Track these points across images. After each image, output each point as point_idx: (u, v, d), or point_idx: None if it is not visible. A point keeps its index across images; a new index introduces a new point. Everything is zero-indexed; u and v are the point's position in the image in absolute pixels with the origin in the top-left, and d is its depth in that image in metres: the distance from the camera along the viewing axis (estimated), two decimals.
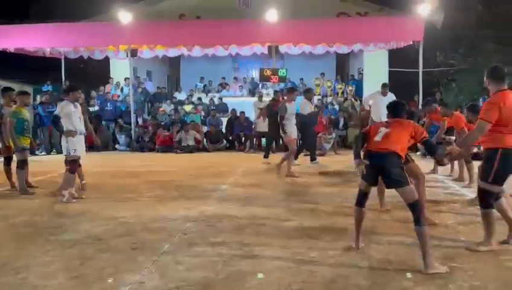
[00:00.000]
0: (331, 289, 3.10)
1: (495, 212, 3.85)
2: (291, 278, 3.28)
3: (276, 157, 9.79)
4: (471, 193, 6.03)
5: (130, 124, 13.89)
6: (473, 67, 15.98)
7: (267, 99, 14.15)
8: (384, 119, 9.53)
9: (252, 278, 3.28)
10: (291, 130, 8.20)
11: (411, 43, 13.05)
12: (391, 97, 9.29)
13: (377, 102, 9.69)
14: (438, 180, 7.43)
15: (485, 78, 3.90)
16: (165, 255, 3.82)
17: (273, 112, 10.13)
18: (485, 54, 15.78)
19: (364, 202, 3.85)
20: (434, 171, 7.96)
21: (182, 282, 3.23)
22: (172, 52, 15.64)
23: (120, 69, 15.67)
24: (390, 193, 4.28)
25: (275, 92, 11.33)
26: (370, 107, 10.08)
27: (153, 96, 16.60)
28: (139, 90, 15.70)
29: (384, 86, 10.07)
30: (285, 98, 9.51)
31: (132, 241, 4.18)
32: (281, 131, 8.29)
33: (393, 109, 4.05)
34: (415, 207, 3.42)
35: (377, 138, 3.71)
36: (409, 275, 3.29)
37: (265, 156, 10.09)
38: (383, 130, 3.75)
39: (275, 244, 4.08)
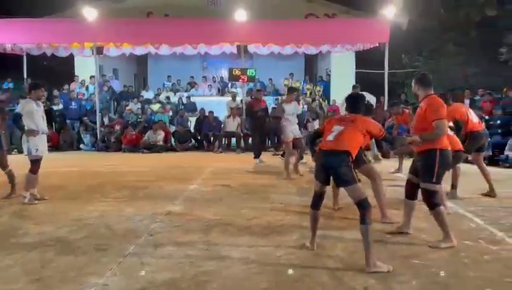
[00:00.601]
0: (297, 288, 3.12)
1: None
2: (258, 277, 3.29)
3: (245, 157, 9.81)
4: None
5: (95, 123, 13.59)
6: (436, 69, 16.52)
7: (238, 99, 14.16)
8: None
9: (219, 278, 3.27)
10: (289, 131, 7.89)
11: (377, 44, 13.32)
12: None
13: None
14: (403, 179, 7.59)
15: (413, 84, 4.20)
16: (130, 256, 3.76)
17: (253, 111, 10.07)
18: (446, 56, 16.32)
19: (319, 205, 3.86)
20: (399, 170, 8.15)
21: (147, 284, 3.19)
22: (140, 51, 15.40)
23: (85, 67, 15.30)
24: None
25: (257, 90, 11.20)
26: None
27: (119, 95, 16.29)
28: (105, 88, 15.37)
29: (354, 87, 10.29)
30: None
31: (96, 243, 4.09)
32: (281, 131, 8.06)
33: (351, 103, 4.01)
34: (362, 205, 3.44)
35: (330, 138, 3.71)
36: (373, 273, 3.37)
37: (256, 156, 9.82)
38: (337, 128, 3.73)
39: (242, 244, 4.08)
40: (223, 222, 4.81)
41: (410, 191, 4.23)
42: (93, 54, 13.69)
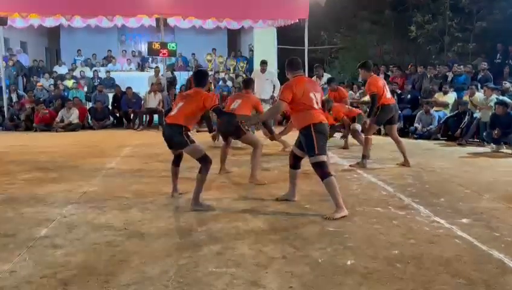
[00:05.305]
0: (219, 261, 3.13)
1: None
2: (178, 253, 3.26)
3: None
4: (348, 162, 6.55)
5: (2, 100, 12.51)
6: (353, 46, 17.18)
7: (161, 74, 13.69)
8: (264, 96, 9.87)
9: (137, 258, 3.18)
10: None
11: (297, 21, 13.50)
12: (270, 72, 10.39)
13: (257, 79, 10.30)
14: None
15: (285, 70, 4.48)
16: (41, 240, 3.55)
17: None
18: (362, 33, 17.00)
19: (178, 162, 4.71)
20: (345, 147, 8.28)
21: (60, 267, 3.03)
22: (50, 22, 14.22)
23: None
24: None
25: (198, 66, 11.04)
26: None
27: (28, 70, 15.11)
28: (10, 63, 14.14)
29: (262, 63, 10.41)
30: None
31: (2, 229, 3.81)
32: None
33: (195, 78, 4.68)
34: (201, 160, 4.26)
35: (172, 113, 4.36)
36: (290, 241, 3.47)
37: None
38: (178, 105, 4.35)
39: (163, 221, 4.02)
40: (143, 201, 4.69)
41: (293, 162, 4.49)
42: None
